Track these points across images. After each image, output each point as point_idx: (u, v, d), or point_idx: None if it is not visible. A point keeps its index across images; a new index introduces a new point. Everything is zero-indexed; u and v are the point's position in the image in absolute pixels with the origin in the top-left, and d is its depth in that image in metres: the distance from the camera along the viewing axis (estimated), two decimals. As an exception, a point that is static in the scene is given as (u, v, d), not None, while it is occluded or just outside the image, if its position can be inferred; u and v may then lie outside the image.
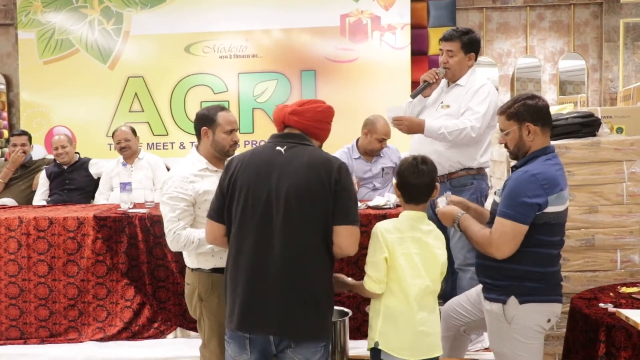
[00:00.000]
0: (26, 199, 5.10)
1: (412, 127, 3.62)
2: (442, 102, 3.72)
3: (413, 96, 3.80)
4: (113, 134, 5.02)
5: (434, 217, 2.76)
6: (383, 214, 3.63)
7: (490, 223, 2.66)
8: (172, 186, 2.76)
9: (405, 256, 2.39)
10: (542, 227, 2.50)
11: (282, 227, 2.22)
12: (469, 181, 3.66)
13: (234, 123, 2.89)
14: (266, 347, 2.25)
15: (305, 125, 2.38)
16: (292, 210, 2.21)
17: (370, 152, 4.46)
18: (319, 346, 2.26)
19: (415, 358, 2.39)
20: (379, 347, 2.42)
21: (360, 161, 4.48)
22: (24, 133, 5.29)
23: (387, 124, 4.31)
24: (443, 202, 2.81)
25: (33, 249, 3.93)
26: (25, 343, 3.92)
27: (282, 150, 2.31)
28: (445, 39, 3.71)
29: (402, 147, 4.71)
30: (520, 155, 2.65)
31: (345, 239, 2.26)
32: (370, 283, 2.42)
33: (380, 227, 2.44)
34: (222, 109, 2.91)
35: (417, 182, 2.45)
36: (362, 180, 4.40)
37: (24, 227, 3.93)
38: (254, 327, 2.24)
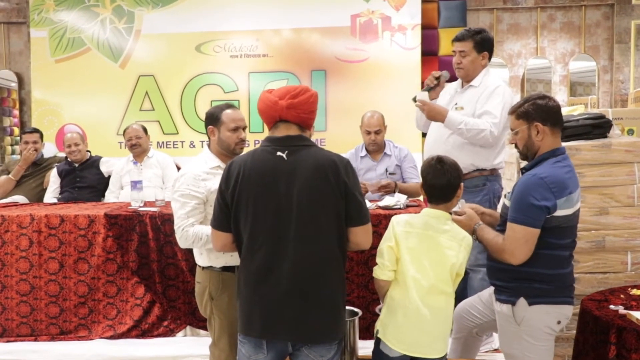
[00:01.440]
0: (37, 197, 5.13)
1: (432, 114, 3.63)
2: (456, 104, 3.72)
3: (414, 100, 3.79)
4: (124, 131, 5.05)
5: None
6: (393, 214, 3.62)
7: (500, 226, 2.66)
8: (184, 183, 2.77)
9: (410, 250, 2.41)
10: (552, 230, 2.49)
11: (295, 234, 2.19)
12: (482, 182, 3.65)
13: (239, 120, 2.89)
14: (283, 347, 2.26)
15: (302, 118, 2.32)
16: (304, 217, 2.19)
17: (369, 149, 4.50)
18: (333, 343, 2.26)
19: (411, 354, 2.40)
20: (378, 336, 2.46)
21: (366, 159, 4.51)
22: (36, 131, 5.31)
23: (373, 117, 4.41)
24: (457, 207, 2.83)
25: (44, 247, 3.95)
26: (35, 340, 3.95)
27: (284, 155, 2.24)
28: (457, 39, 3.71)
29: (410, 147, 4.73)
30: (529, 155, 2.64)
31: (362, 237, 2.29)
32: (376, 269, 2.47)
33: (394, 218, 2.50)
34: (229, 107, 2.92)
35: (434, 182, 2.49)
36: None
37: (35, 224, 3.95)
38: (275, 334, 2.23)
